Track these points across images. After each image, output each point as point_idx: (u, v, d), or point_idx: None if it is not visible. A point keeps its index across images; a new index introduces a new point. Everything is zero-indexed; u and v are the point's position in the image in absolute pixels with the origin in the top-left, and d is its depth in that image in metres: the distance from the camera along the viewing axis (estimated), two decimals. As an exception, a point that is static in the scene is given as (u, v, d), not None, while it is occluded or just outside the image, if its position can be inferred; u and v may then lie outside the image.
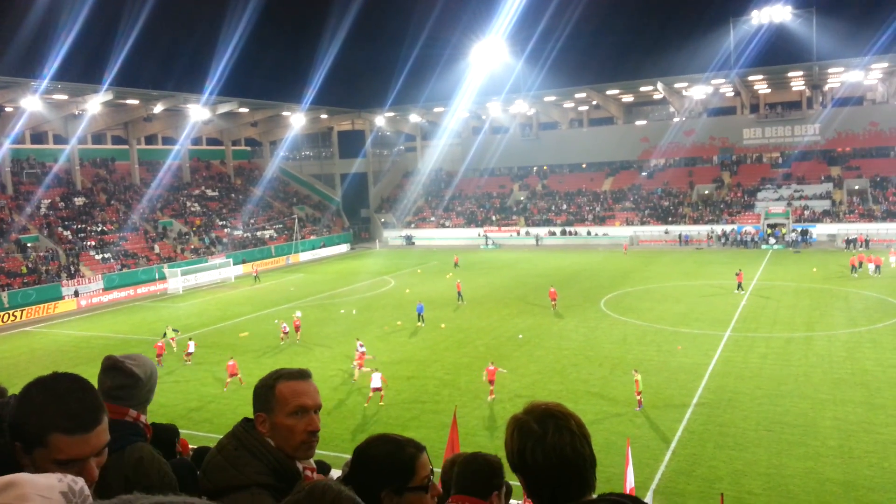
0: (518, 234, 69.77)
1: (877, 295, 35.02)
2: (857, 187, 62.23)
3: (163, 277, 49.95)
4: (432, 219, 76.53)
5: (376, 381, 21.69)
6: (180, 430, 2.91)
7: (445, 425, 16.97)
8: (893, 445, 16.87)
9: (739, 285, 37.62)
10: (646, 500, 12.99)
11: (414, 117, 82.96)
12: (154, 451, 2.35)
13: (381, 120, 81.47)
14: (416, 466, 2.06)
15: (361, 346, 25.72)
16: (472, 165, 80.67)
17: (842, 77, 64.47)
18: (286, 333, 30.71)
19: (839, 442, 17.26)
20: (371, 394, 21.75)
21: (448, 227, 74.40)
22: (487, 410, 20.68)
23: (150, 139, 72.69)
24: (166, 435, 2.65)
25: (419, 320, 32.85)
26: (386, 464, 2.03)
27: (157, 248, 55.73)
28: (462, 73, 69.65)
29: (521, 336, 29.65)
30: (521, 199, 76.46)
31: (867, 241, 52.42)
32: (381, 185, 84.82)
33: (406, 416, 20.73)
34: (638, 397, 20.34)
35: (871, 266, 40.55)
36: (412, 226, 76.06)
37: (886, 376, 22.10)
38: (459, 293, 38.24)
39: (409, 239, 74.02)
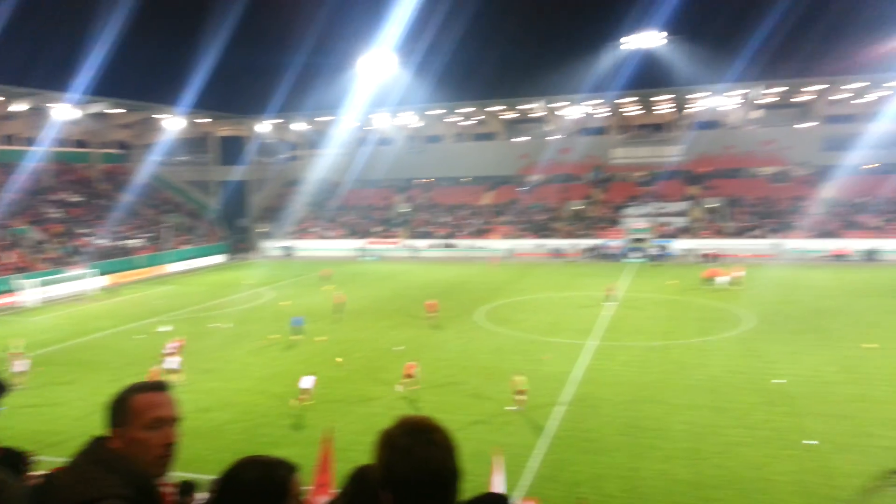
0: (399, 246, 70.11)
1: (725, 306, 38.06)
2: (712, 206, 67.44)
3: (9, 290, 45.88)
4: (314, 229, 75.40)
5: (307, 382, 22.14)
6: (38, 457, 2.79)
7: (317, 441, 16.73)
8: (736, 446, 18.35)
9: (608, 297, 39.69)
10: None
11: (299, 126, 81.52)
12: None
13: (264, 127, 79.44)
14: (289, 488, 2.01)
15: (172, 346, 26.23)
16: (358, 176, 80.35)
17: (703, 102, 69.84)
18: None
19: (689, 444, 18.59)
20: (302, 395, 22.06)
21: (330, 238, 73.56)
22: (364, 424, 20.59)
23: (9, 139, 67.04)
24: (13, 459, 2.53)
25: (296, 333, 32.22)
26: (257, 487, 1.97)
27: (11, 258, 51.32)
28: (349, 82, 69.42)
29: (402, 348, 29.78)
30: (405, 211, 76.95)
31: (717, 257, 56.83)
32: (263, 194, 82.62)
33: (276, 434, 20.26)
34: (520, 397, 21.29)
35: (724, 279, 44.03)
36: (293, 237, 74.59)
37: (732, 381, 24.04)
38: (339, 305, 37.88)
39: (289, 250, 72.49)
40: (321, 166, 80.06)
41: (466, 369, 26.29)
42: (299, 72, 68.58)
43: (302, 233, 75.07)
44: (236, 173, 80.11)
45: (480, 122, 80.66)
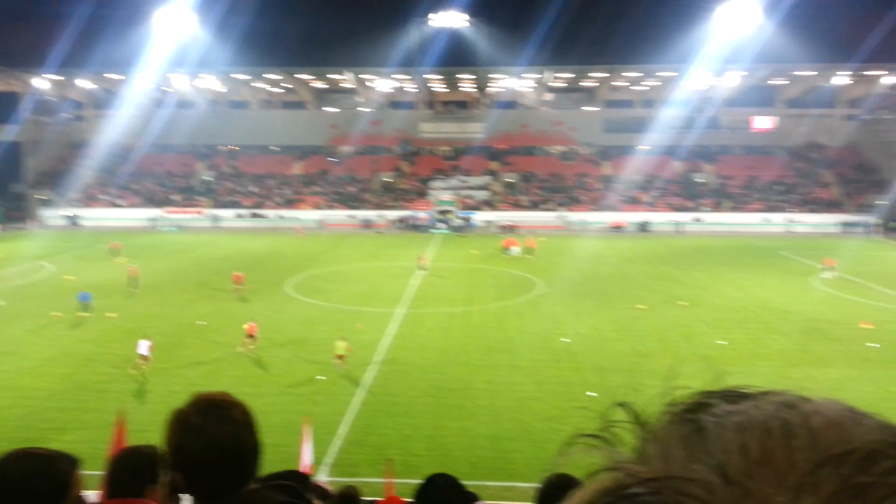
0: (202, 215, 66.56)
1: (520, 273, 41.09)
2: (510, 180, 71.87)
3: None
4: (104, 197, 69.05)
5: (143, 348, 21.32)
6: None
7: (109, 424, 15.75)
8: (529, 401, 20.11)
9: (420, 266, 41.01)
10: (319, 476, 13.72)
11: (85, 83, 73.57)
12: None
13: (42, 82, 70.65)
14: (70, 484, 1.82)
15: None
16: (156, 141, 74.52)
17: (502, 83, 73.69)
18: None
19: (488, 401, 20.05)
20: (139, 360, 21.22)
21: (123, 206, 67.85)
22: (161, 406, 19.63)
23: None
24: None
25: (84, 310, 29.59)
26: (31, 484, 1.75)
27: None
28: (144, 38, 63.70)
29: (203, 322, 28.59)
30: (208, 179, 73.00)
31: (514, 228, 60.94)
32: (42, 157, 73.80)
33: (63, 417, 18.71)
34: (338, 362, 22.05)
35: (518, 249, 47.42)
36: (79, 205, 67.73)
37: (526, 342, 26.17)
38: (132, 279, 35.31)
39: (74, 219, 65.80)
40: (112, 128, 73.07)
41: (275, 341, 25.98)
42: (85, 22, 61.57)
43: (89, 200, 68.44)
44: (8, 133, 70.66)
45: (289, 91, 78.42)
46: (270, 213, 66.86)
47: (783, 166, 69.60)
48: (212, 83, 73.65)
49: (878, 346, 25.67)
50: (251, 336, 23.97)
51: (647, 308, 31.76)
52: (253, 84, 77.09)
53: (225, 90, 76.47)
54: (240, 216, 66.29)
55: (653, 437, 0.61)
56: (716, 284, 37.76)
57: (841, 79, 66.98)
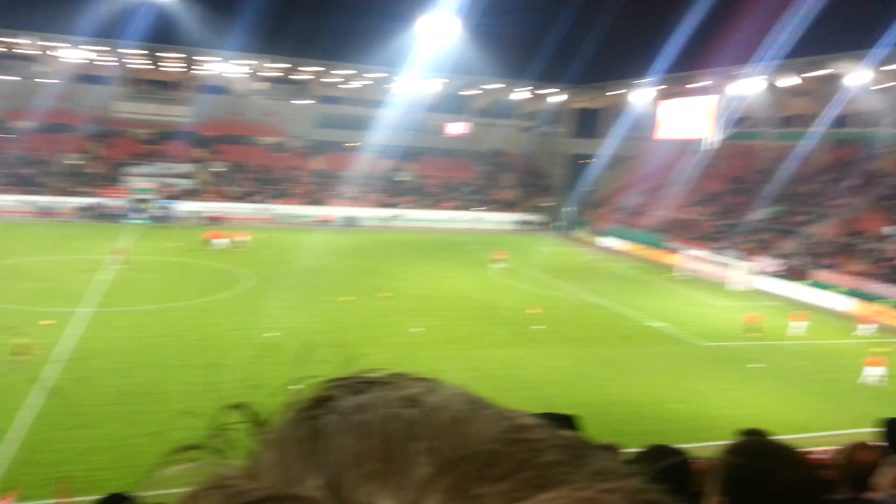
0: None
1: (227, 267, 39.89)
2: (218, 169, 68.91)
3: None
4: None
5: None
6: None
7: None
8: (230, 400, 19.71)
9: (119, 261, 37.31)
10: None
11: None
12: None
13: None
14: None
15: None
16: None
17: (212, 67, 70.10)
18: None
19: (185, 404, 19.19)
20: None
21: None
22: None
23: None
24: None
25: None
26: None
27: None
28: None
29: None
30: None
31: (221, 220, 58.73)
32: None
33: None
34: (17, 357, 19.93)
35: (224, 241, 45.95)
36: None
37: (230, 338, 25.61)
38: None
39: None
40: None
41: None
42: None
43: None
44: None
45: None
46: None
47: (473, 169, 77.31)
48: None
49: (544, 327, 30.12)
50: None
51: (352, 300, 33.10)
52: None
53: None
54: None
55: (270, 441, 0.58)
56: (414, 276, 40.74)
57: (520, 94, 76.45)
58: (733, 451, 1.58)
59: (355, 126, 73.76)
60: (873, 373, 24.86)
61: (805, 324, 32.29)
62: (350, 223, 64.56)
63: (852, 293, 38.35)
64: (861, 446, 4.54)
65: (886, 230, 43.29)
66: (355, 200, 67.44)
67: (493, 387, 22.11)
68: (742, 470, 1.51)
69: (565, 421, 2.18)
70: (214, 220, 58.25)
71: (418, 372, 0.65)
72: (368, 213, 66.40)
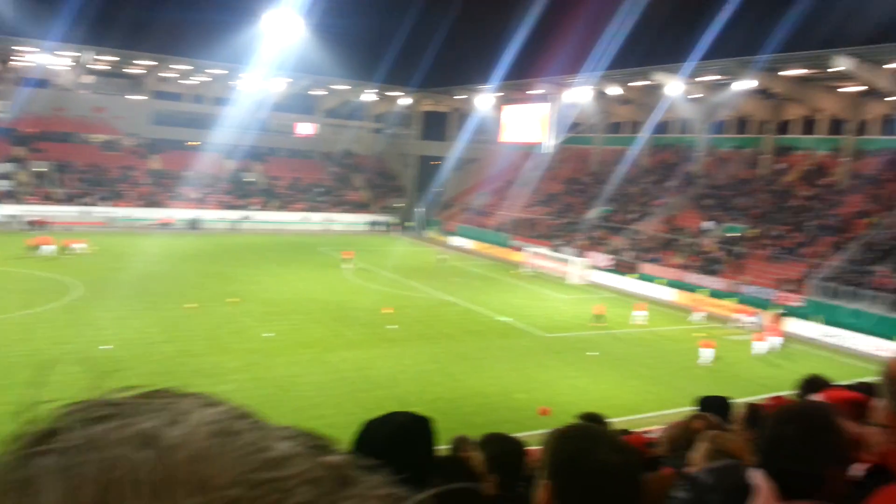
0: None
1: (54, 275, 36.60)
2: (40, 170, 62.89)
3: None
4: None
5: None
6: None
7: None
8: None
9: None
10: None
11: None
12: None
13: None
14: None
15: None
16: None
17: (31, 58, 63.80)
18: None
19: (6, 427, 17.51)
20: None
21: None
22: None
23: None
24: None
25: None
26: None
27: None
28: None
29: None
30: None
31: (46, 224, 53.63)
32: None
33: None
34: None
35: (51, 248, 42.10)
36: None
37: (58, 353, 23.56)
38: None
39: None
40: None
41: None
42: None
43: None
44: None
45: None
46: None
47: (323, 170, 76.38)
48: None
49: (397, 327, 30.48)
50: None
51: (196, 307, 31.63)
52: None
53: None
54: None
55: None
56: (265, 280, 39.63)
57: (369, 96, 76.44)
58: (557, 436, 1.69)
59: (196, 124, 70.30)
60: (707, 354, 28.05)
61: (645, 313, 35.20)
62: (193, 226, 61.46)
63: (673, 284, 42.31)
64: (696, 417, 5.03)
65: (704, 225, 48.15)
66: (198, 202, 64.31)
67: (348, 388, 22.16)
68: (563, 454, 1.63)
69: (414, 423, 2.32)
70: (37, 225, 53.06)
71: (181, 388, 0.58)
72: (214, 216, 63.55)
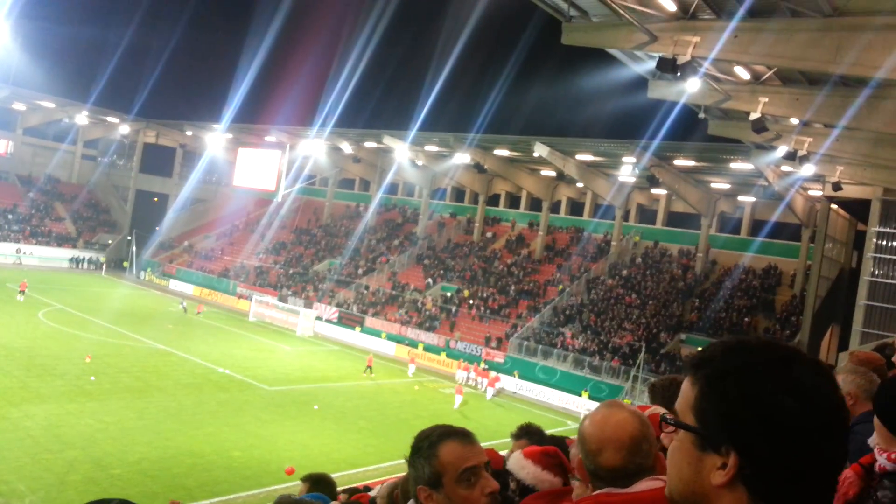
0: None
1: None
2: None
3: None
4: None
5: None
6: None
7: None
8: None
9: None
10: None
11: None
12: None
13: None
14: None
15: None
16: None
17: None
18: None
19: None
20: None
21: None
22: None
23: None
24: None
25: None
26: None
27: None
28: None
29: None
30: None
31: None
32: None
33: None
34: None
35: None
36: None
37: None
38: None
39: None
40: None
41: None
42: None
43: None
44: None
45: None
46: None
47: (18, 195, 66.53)
48: None
49: (93, 378, 27.37)
50: None
51: None
52: None
53: None
54: None
55: None
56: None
57: (81, 118, 68.13)
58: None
59: None
60: (458, 400, 32.24)
61: (413, 367, 37.65)
62: None
63: (392, 338, 44.33)
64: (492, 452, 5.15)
65: (427, 283, 51.42)
66: None
67: (33, 449, 19.37)
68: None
69: None
70: None
71: None
72: None
